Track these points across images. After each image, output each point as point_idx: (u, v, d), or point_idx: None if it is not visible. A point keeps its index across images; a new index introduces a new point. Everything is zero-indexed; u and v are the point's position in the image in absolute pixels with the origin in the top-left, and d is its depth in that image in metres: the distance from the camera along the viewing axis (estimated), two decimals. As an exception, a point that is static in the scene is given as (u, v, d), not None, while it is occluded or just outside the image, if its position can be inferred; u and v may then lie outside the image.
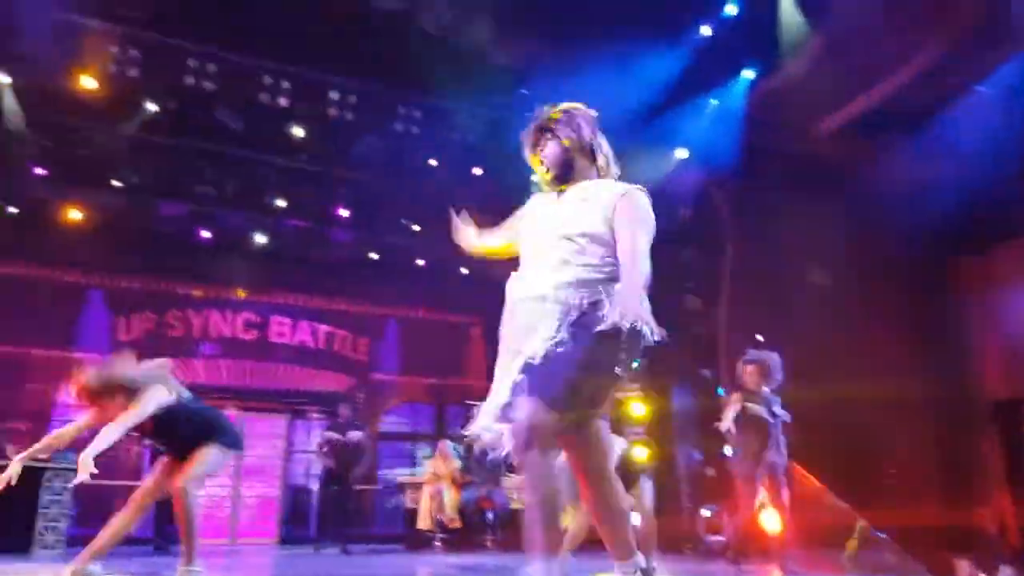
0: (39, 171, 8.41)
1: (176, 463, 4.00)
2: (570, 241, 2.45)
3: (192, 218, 9.84)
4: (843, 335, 8.17)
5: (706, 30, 8.22)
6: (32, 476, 7.34)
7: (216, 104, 8.01)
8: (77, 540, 7.09)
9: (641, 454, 11.20)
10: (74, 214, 9.54)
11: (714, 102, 8.98)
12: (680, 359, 9.39)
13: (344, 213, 9.96)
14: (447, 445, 9.76)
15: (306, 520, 10.78)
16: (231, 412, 10.39)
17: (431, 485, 9.44)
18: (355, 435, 8.79)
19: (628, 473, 4.84)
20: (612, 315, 2.30)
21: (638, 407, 9.50)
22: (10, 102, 7.63)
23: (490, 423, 2.36)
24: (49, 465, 7.50)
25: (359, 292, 11.62)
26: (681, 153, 9.40)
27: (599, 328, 2.31)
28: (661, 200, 9.63)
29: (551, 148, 2.58)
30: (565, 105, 2.65)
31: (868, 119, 8.07)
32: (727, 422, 5.55)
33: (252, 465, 10.70)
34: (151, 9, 7.24)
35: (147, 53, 7.61)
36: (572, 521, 4.56)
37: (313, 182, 9.47)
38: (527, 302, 2.46)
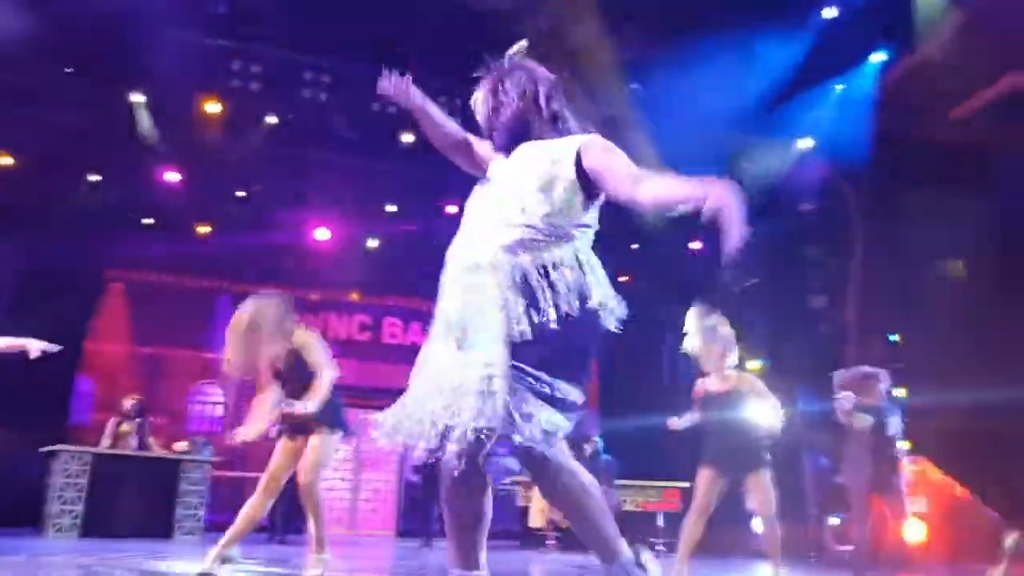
0: (171, 183, 8.97)
1: (295, 444, 4.12)
2: (508, 207, 2.07)
3: (309, 224, 10.25)
4: (981, 336, 7.50)
5: (830, 12, 7.77)
6: (171, 467, 7.86)
7: (330, 114, 8.28)
8: (213, 526, 7.54)
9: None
10: (203, 224, 10.20)
11: (841, 88, 8.49)
12: (805, 360, 8.93)
13: (451, 210, 10.08)
14: (556, 445, 9.69)
15: (426, 511, 11.00)
16: (352, 410, 10.76)
17: (542, 485, 9.39)
18: None
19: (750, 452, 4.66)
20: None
21: (765, 411, 9.06)
22: (144, 119, 8.13)
23: (408, 429, 1.90)
24: (186, 457, 7.99)
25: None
26: (805, 144, 8.95)
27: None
28: (784, 194, 9.21)
29: (503, 111, 2.21)
30: (518, 60, 2.29)
31: (1016, 100, 7.36)
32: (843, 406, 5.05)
33: (370, 459, 11.07)
34: (271, 27, 7.55)
35: (266, 68, 7.96)
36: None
37: (422, 186, 9.64)
38: (464, 273, 2.03)
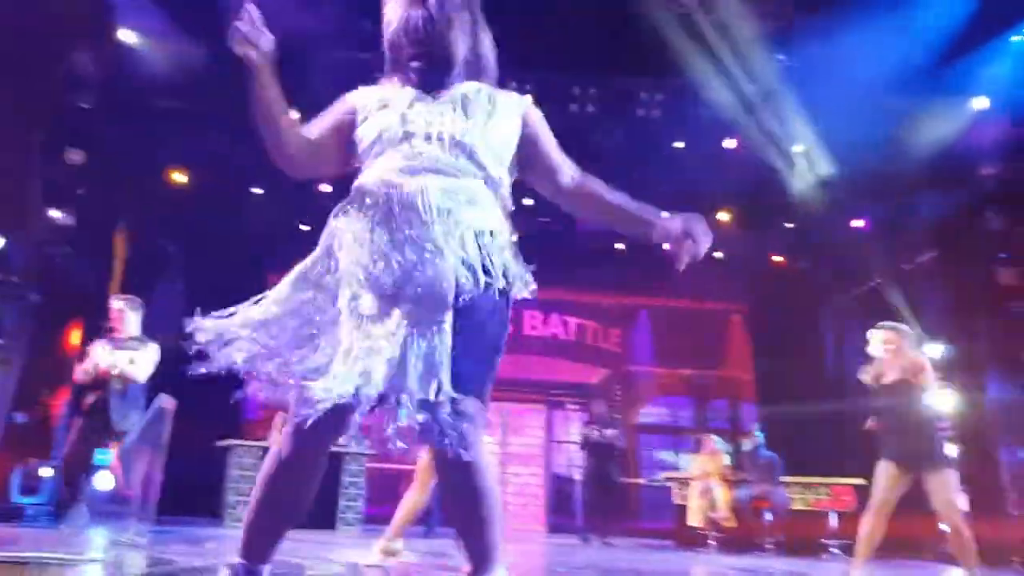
0: (324, 189, 9.44)
1: None
2: (470, 158, 1.83)
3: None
4: None
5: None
6: (333, 459, 8.30)
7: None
8: (373, 518, 7.89)
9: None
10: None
11: (1018, 39, 7.63)
12: (995, 343, 8.07)
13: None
14: (713, 440, 9.34)
15: (571, 510, 10.98)
16: (494, 402, 10.92)
17: (700, 482, 9.08)
18: (610, 433, 8.78)
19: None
20: (696, 242, 1.83)
21: (944, 400, 8.28)
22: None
23: (346, 390, 1.58)
24: (347, 450, 8.40)
25: (607, 283, 11.57)
26: (980, 103, 8.13)
27: (681, 263, 1.86)
28: (959, 160, 8.42)
29: (452, 36, 1.87)
30: None
31: None
32: None
33: (516, 453, 11.17)
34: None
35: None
36: None
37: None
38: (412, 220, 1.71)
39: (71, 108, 7.72)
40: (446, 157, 1.79)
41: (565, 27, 7.27)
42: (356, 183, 1.82)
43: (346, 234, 1.75)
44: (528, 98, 2.00)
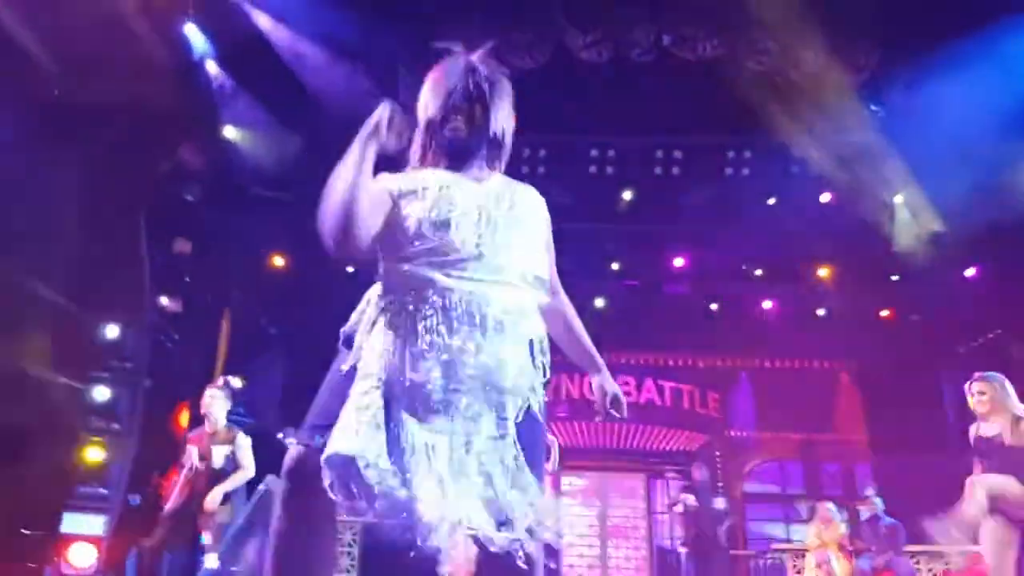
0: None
1: None
2: (522, 264, 1.81)
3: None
4: None
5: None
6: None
7: (548, 184, 8.54)
8: None
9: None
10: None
11: None
12: None
13: (678, 264, 9.86)
14: (828, 508, 8.79)
15: (674, 582, 10.48)
16: (591, 472, 10.70)
17: (815, 552, 8.54)
18: (719, 501, 8.40)
19: None
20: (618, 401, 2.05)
21: None
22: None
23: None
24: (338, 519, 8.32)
25: (702, 345, 11.31)
26: None
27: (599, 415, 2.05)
28: None
29: (495, 123, 1.86)
30: (492, 66, 1.90)
31: None
32: None
33: (617, 526, 10.81)
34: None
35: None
36: None
37: (644, 240, 9.57)
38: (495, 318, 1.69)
39: (178, 200, 8.28)
40: (493, 258, 1.76)
41: (644, 90, 7.34)
42: (397, 277, 1.77)
43: (398, 340, 1.70)
44: (543, 203, 2.00)
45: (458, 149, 1.87)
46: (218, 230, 8.44)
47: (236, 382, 5.87)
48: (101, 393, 7.69)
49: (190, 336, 8.72)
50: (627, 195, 8.81)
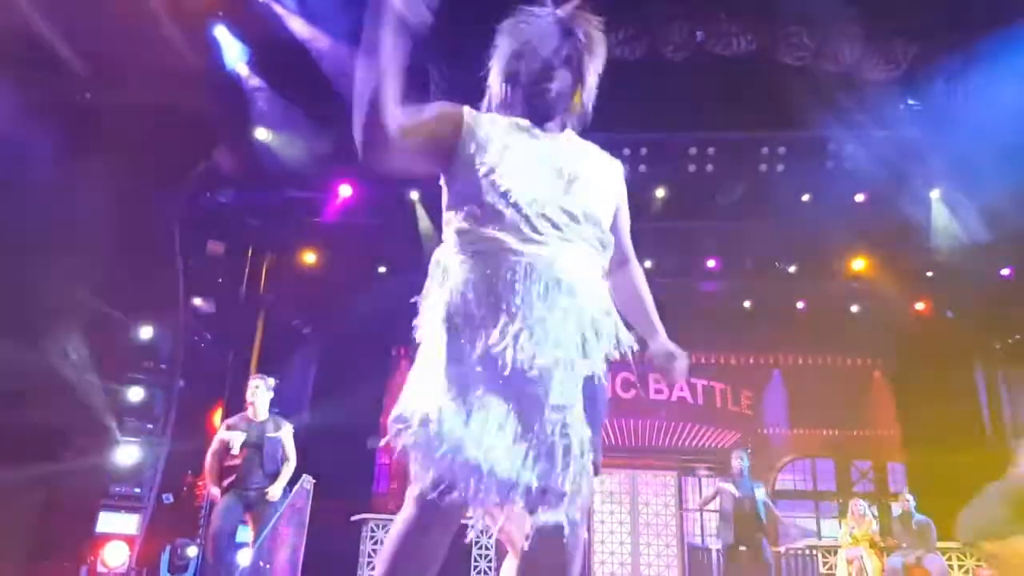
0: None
1: None
2: (595, 226, 1.77)
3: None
4: None
5: None
6: (462, 527, 8.23)
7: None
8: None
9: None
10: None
11: None
12: None
13: (711, 264, 9.77)
14: (860, 504, 8.71)
15: (705, 579, 10.43)
16: (622, 470, 10.66)
17: (847, 549, 8.48)
18: (759, 492, 8.28)
19: None
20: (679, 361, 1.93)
21: None
22: (422, 214, 8.92)
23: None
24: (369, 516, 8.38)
25: (735, 343, 11.22)
26: None
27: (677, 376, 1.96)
28: None
29: (570, 77, 1.81)
30: (596, 23, 1.83)
31: None
32: None
33: (648, 523, 10.78)
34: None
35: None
36: None
37: (678, 238, 9.47)
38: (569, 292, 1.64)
39: (211, 202, 8.33)
40: (573, 223, 1.73)
41: (677, 86, 7.24)
42: (468, 236, 1.71)
43: (477, 301, 1.65)
44: (618, 166, 1.96)
45: (541, 107, 1.83)
46: (251, 231, 8.50)
47: (270, 380, 5.94)
48: (136, 394, 7.78)
49: (224, 337, 8.79)
50: (660, 192, 8.72)
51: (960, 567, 8.12)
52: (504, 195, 1.69)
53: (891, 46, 6.73)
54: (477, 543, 8.24)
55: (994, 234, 8.26)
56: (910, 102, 7.15)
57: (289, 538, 7.47)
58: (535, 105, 1.82)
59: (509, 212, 1.67)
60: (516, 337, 1.57)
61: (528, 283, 1.62)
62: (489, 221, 1.68)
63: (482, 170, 1.71)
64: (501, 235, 1.66)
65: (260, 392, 5.71)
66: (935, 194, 8.38)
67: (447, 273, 1.71)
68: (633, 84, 6.84)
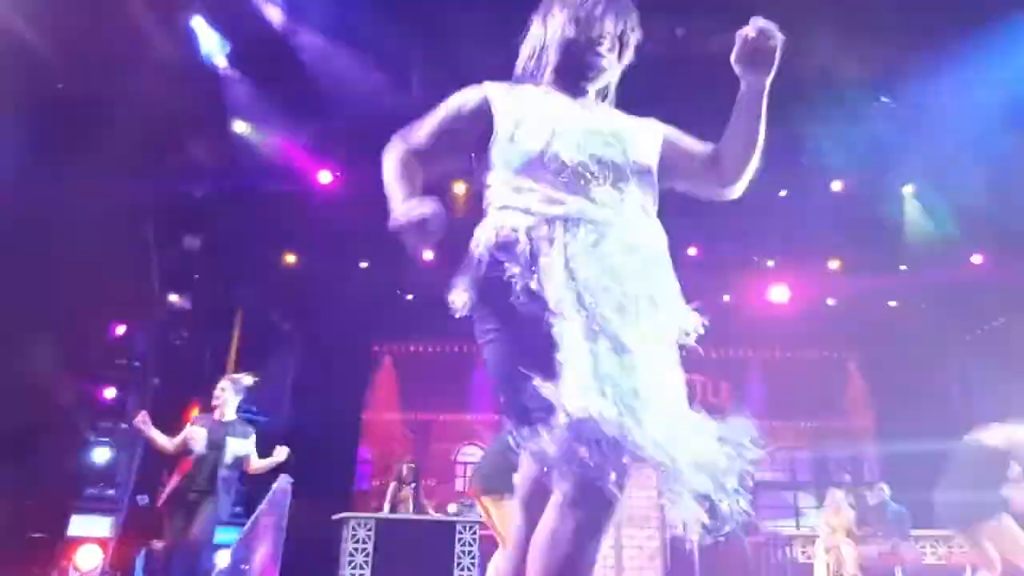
0: (427, 261, 9.66)
1: None
2: (646, 180, 1.80)
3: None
4: None
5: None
6: (447, 529, 8.16)
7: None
8: (484, 587, 7.69)
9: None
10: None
11: None
12: None
13: (691, 253, 9.82)
14: (837, 494, 8.83)
15: (691, 571, 10.50)
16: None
17: (825, 539, 8.58)
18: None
19: None
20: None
21: None
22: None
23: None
24: (461, 518, 8.28)
25: (713, 335, 11.21)
26: None
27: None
28: None
29: (618, 48, 1.84)
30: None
31: None
32: None
33: (630, 515, 10.81)
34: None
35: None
36: None
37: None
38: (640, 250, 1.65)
39: (187, 196, 8.18)
40: (624, 184, 1.73)
41: (654, 81, 7.26)
42: (534, 203, 1.65)
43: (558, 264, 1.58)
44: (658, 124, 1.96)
45: (587, 75, 1.83)
46: (228, 227, 8.36)
47: (247, 379, 5.81)
48: (109, 393, 7.63)
49: (200, 334, 8.65)
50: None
51: (933, 554, 8.27)
52: (556, 159, 1.68)
53: (865, 44, 6.82)
54: (460, 539, 8.18)
55: (964, 228, 8.44)
56: (883, 99, 7.26)
57: (269, 538, 7.37)
58: (580, 72, 1.83)
59: (569, 174, 1.68)
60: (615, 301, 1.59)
61: (603, 243, 1.62)
62: (547, 183, 1.67)
63: (529, 142, 1.70)
64: (567, 194, 1.66)
65: (226, 394, 5.59)
66: (908, 189, 8.54)
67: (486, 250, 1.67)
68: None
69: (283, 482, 7.27)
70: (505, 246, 1.61)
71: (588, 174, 1.69)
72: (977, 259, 9.57)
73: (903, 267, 9.92)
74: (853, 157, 7.82)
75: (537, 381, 1.46)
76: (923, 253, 8.98)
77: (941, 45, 6.45)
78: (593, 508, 1.50)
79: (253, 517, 5.96)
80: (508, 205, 1.68)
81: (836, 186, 8.58)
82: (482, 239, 1.68)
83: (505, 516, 4.26)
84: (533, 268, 1.57)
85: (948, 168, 7.68)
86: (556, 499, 1.53)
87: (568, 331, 1.49)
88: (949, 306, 10.00)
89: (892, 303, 10.69)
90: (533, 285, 1.54)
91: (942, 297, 10.03)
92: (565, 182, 1.66)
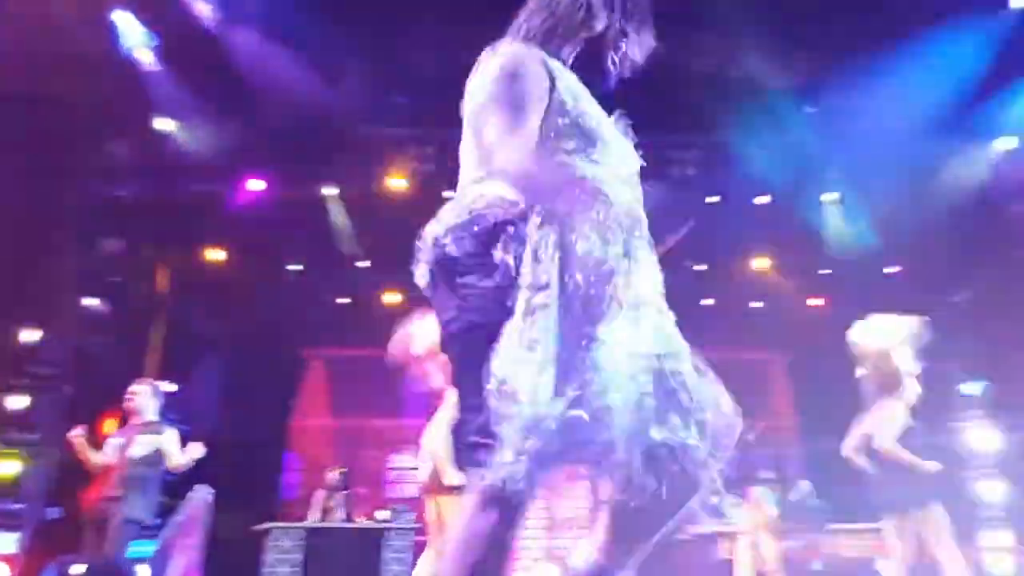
0: (362, 265, 9.54)
1: None
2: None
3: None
4: None
5: (1020, 2, 7.19)
6: (376, 536, 8.01)
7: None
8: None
9: (994, 492, 9.75)
10: (391, 297, 10.74)
11: None
12: None
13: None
14: (759, 491, 9.10)
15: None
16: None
17: (747, 535, 8.81)
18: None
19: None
20: None
21: (983, 436, 8.22)
22: (337, 210, 8.74)
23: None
24: (391, 525, 8.17)
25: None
26: (1006, 143, 8.25)
27: None
28: (987, 198, 8.53)
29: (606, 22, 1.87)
30: None
31: None
32: None
33: (563, 518, 10.86)
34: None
35: (441, 147, 8.38)
36: None
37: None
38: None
39: (107, 196, 7.84)
40: (632, 159, 1.78)
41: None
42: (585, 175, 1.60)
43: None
44: None
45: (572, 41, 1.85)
46: (151, 226, 8.05)
47: (164, 386, 5.60)
48: (18, 401, 7.26)
49: (119, 339, 8.28)
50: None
51: (849, 547, 8.59)
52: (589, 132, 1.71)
53: (792, 53, 7.08)
54: (391, 546, 8.07)
55: (882, 235, 8.86)
56: (808, 109, 7.55)
57: (186, 552, 7.12)
58: (570, 37, 1.83)
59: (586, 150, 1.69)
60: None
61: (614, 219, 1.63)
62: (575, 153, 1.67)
63: (579, 117, 1.72)
64: (595, 169, 1.67)
65: (141, 398, 5.34)
66: (830, 197, 8.91)
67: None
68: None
69: (201, 492, 7.03)
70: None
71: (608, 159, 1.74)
72: (894, 267, 10.07)
73: (827, 271, 10.32)
74: (780, 165, 8.10)
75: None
76: (844, 258, 9.36)
77: (865, 55, 6.76)
78: (504, 507, 1.47)
79: (168, 530, 5.75)
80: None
81: (763, 194, 8.86)
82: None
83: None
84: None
85: (868, 177, 8.04)
86: (470, 495, 1.52)
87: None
88: (867, 310, 10.45)
89: (815, 303, 11.09)
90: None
91: (861, 301, 10.46)
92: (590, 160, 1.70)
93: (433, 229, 1.66)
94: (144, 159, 7.47)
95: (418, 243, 1.68)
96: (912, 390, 4.63)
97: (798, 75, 7.28)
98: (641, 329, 1.51)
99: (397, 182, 8.52)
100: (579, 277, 1.48)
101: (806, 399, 11.14)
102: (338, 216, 8.61)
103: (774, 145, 7.93)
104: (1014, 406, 8.39)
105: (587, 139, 1.68)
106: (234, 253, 9.33)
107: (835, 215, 8.96)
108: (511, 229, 1.55)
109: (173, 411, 5.58)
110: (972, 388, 9.49)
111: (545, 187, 1.57)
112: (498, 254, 1.52)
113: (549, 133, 1.63)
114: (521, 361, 1.40)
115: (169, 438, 5.29)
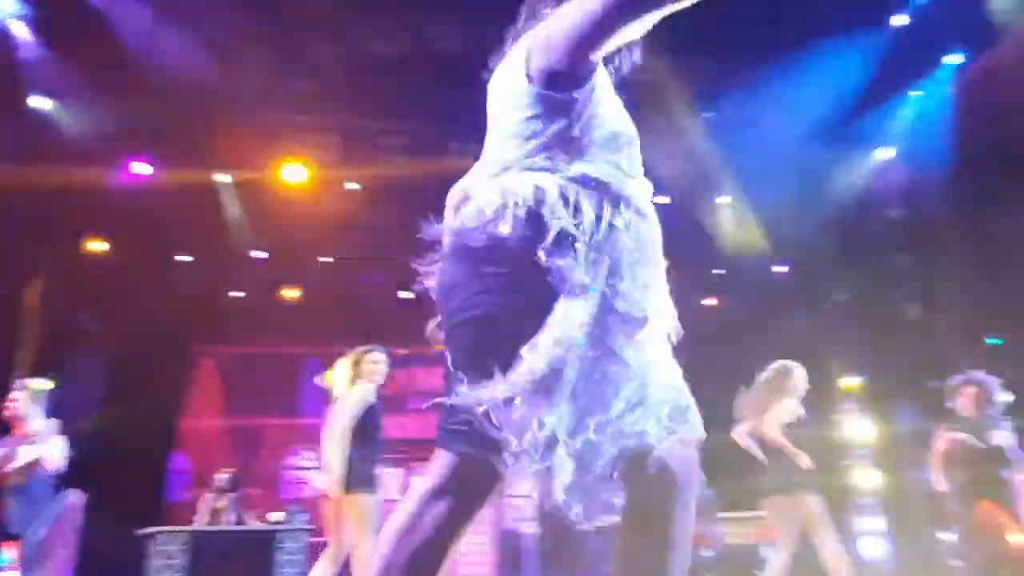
0: (258, 256, 9.22)
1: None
2: None
3: (392, 284, 10.35)
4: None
5: (900, 19, 7.66)
6: (268, 539, 7.77)
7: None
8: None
9: (869, 480, 10.39)
10: (290, 292, 10.43)
11: (918, 94, 8.39)
12: (903, 373, 8.65)
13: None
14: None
15: (521, 566, 10.66)
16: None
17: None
18: None
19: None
20: None
21: (859, 427, 8.76)
22: (230, 197, 8.41)
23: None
24: (281, 527, 7.93)
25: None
26: (885, 153, 8.81)
27: None
28: (867, 205, 9.10)
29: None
30: None
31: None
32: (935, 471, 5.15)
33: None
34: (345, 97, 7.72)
35: (344, 136, 8.19)
36: None
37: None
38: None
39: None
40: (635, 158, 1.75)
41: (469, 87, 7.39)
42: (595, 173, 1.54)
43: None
44: None
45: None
46: (23, 213, 7.48)
47: (40, 384, 5.24)
48: None
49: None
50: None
51: (734, 534, 8.96)
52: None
53: (690, 64, 7.31)
54: (283, 548, 7.84)
55: (773, 236, 9.31)
56: (704, 114, 7.82)
57: (54, 560, 6.68)
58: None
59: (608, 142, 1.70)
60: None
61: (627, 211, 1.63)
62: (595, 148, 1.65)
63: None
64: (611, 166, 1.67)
65: (21, 405, 5.01)
66: (724, 200, 9.28)
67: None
68: (457, 80, 6.89)
69: (71, 496, 6.61)
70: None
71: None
72: (782, 268, 10.59)
73: (722, 271, 10.75)
74: (677, 168, 8.35)
75: None
76: (736, 258, 9.77)
77: (761, 64, 7.05)
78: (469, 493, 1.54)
79: (33, 537, 5.39)
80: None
81: (662, 195, 9.14)
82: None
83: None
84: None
85: (760, 181, 8.42)
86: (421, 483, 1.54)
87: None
88: (759, 310, 10.96)
89: (709, 302, 11.54)
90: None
91: (752, 301, 10.96)
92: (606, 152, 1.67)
93: (470, 208, 1.55)
94: (17, 139, 6.94)
95: (431, 218, 1.60)
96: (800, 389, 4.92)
97: (696, 83, 7.51)
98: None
99: (296, 170, 8.29)
100: (622, 286, 1.45)
101: (697, 395, 11.59)
102: (231, 204, 8.30)
103: (672, 149, 8.20)
104: (888, 399, 8.99)
105: (615, 145, 1.63)
106: (118, 243, 8.87)
107: (729, 217, 9.34)
108: (558, 224, 1.44)
109: (53, 410, 5.24)
110: (849, 382, 10.12)
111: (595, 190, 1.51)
112: (541, 251, 1.42)
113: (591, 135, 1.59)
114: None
115: (52, 447, 5.04)
